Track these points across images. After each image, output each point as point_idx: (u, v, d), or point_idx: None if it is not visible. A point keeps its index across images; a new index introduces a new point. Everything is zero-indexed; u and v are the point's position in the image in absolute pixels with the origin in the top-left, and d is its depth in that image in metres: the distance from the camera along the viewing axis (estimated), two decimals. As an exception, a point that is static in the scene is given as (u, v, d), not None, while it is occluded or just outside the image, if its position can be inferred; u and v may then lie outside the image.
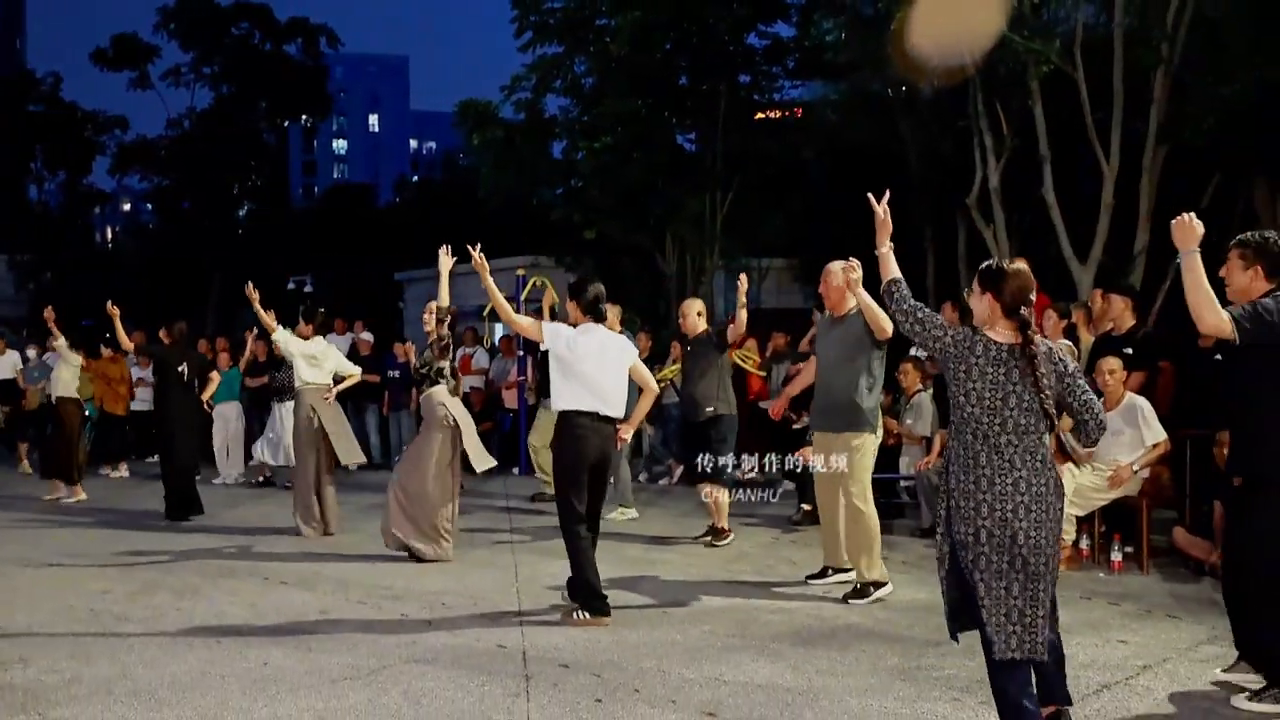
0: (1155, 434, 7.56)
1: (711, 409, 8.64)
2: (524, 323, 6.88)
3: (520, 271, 14.33)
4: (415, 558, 8.01)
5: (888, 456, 10.01)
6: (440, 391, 8.29)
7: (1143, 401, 7.63)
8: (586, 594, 6.23)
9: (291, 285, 29.49)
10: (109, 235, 62.24)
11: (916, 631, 6.04)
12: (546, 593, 6.92)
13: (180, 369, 10.77)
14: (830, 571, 7.27)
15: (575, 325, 6.46)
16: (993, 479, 3.96)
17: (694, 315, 8.93)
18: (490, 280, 6.74)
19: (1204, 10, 13.26)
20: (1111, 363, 7.63)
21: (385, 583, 7.32)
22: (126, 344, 11.35)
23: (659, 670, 5.29)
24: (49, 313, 11.86)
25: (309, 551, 8.58)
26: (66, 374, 12.11)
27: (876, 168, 19.08)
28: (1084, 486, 7.43)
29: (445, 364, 8.35)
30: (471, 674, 5.22)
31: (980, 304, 4.10)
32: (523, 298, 13.90)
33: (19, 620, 6.39)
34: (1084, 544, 7.73)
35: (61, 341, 11.92)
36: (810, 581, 7.25)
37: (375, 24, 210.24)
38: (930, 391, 9.66)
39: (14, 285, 34.02)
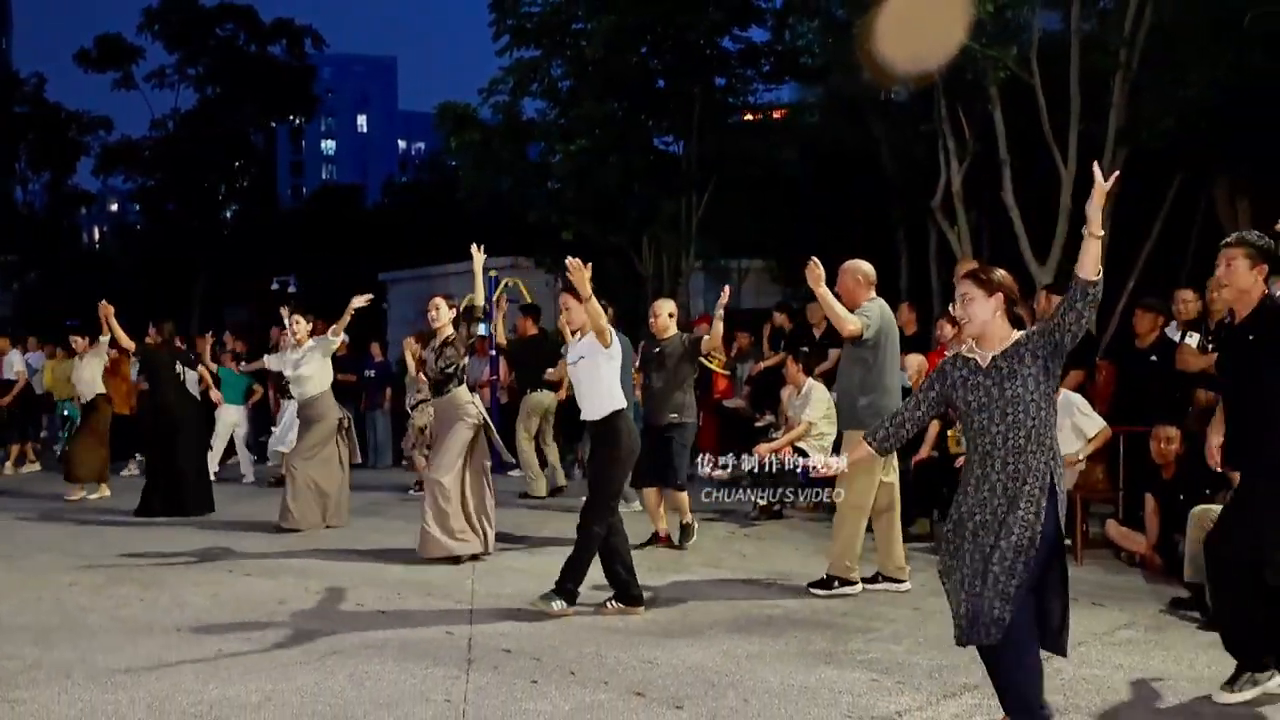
0: (1095, 424, 7.84)
1: (676, 415, 8.59)
2: (608, 326, 6.51)
3: (492, 273, 14.56)
4: (454, 560, 7.89)
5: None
6: (464, 391, 8.22)
7: (1076, 397, 7.91)
8: (575, 585, 6.34)
9: (275, 285, 29.68)
10: (96, 236, 62.42)
11: (850, 620, 6.30)
12: (500, 585, 7.17)
13: (177, 369, 10.91)
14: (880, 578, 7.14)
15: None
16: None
17: (665, 316, 8.79)
18: (593, 296, 6.41)
19: (1162, 16, 13.57)
20: (1048, 361, 7.88)
21: (345, 574, 7.56)
22: (126, 342, 11.05)
23: (596, 654, 5.54)
24: (105, 308, 10.99)
25: (278, 545, 8.77)
26: (90, 372, 12.03)
27: (853, 170, 19.42)
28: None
29: (465, 362, 8.31)
30: (417, 658, 5.47)
31: (987, 307, 4.22)
32: (495, 298, 14.12)
33: (-13, 609, 6.63)
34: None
35: (111, 338, 11.50)
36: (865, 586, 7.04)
37: (364, 25, 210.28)
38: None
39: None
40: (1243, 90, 13.45)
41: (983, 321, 4.23)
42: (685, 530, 8.71)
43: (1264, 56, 13.22)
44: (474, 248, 8.09)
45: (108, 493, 11.90)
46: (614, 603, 6.42)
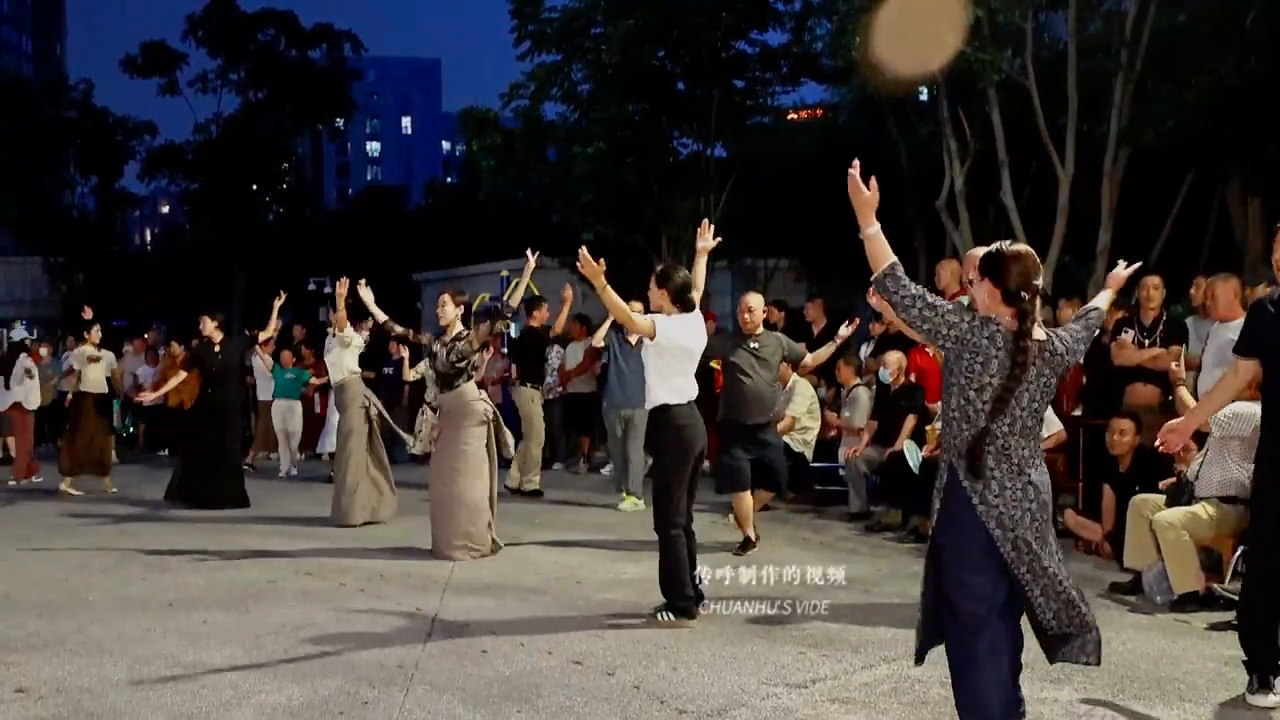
0: (1050, 425, 8.11)
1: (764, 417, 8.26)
2: (640, 322, 6.20)
3: (504, 274, 15.00)
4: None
5: (829, 447, 10.64)
6: (473, 388, 8.33)
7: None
8: (673, 593, 6.16)
9: (311, 286, 30.27)
10: (147, 237, 63.72)
11: (800, 600, 6.57)
12: (477, 572, 7.55)
13: (221, 365, 11.19)
14: None
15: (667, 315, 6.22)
16: (1003, 483, 3.75)
17: (758, 312, 8.24)
18: (607, 285, 6.08)
19: (1161, 20, 13.74)
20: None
21: (334, 559, 8.00)
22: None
23: (549, 630, 5.92)
24: (87, 312, 12.23)
25: (283, 536, 9.16)
26: (96, 371, 12.56)
27: (873, 170, 19.69)
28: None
29: (478, 359, 8.39)
30: (382, 630, 5.91)
31: (980, 292, 3.86)
32: (505, 298, 14.56)
33: (1, 586, 7.13)
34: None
35: (96, 336, 12.49)
36: None
37: (408, 27, 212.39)
38: (865, 387, 10.25)
39: (48, 287, 35.12)
40: (1245, 91, 13.59)
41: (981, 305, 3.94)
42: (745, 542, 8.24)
43: (1266, 58, 13.36)
44: (529, 252, 8.54)
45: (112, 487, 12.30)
46: (664, 614, 6.11)
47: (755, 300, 8.30)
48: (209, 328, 11.24)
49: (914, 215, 19.36)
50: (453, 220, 35.51)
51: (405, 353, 13.08)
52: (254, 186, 37.72)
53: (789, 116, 22.95)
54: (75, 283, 35.80)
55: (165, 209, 73.03)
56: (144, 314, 30.45)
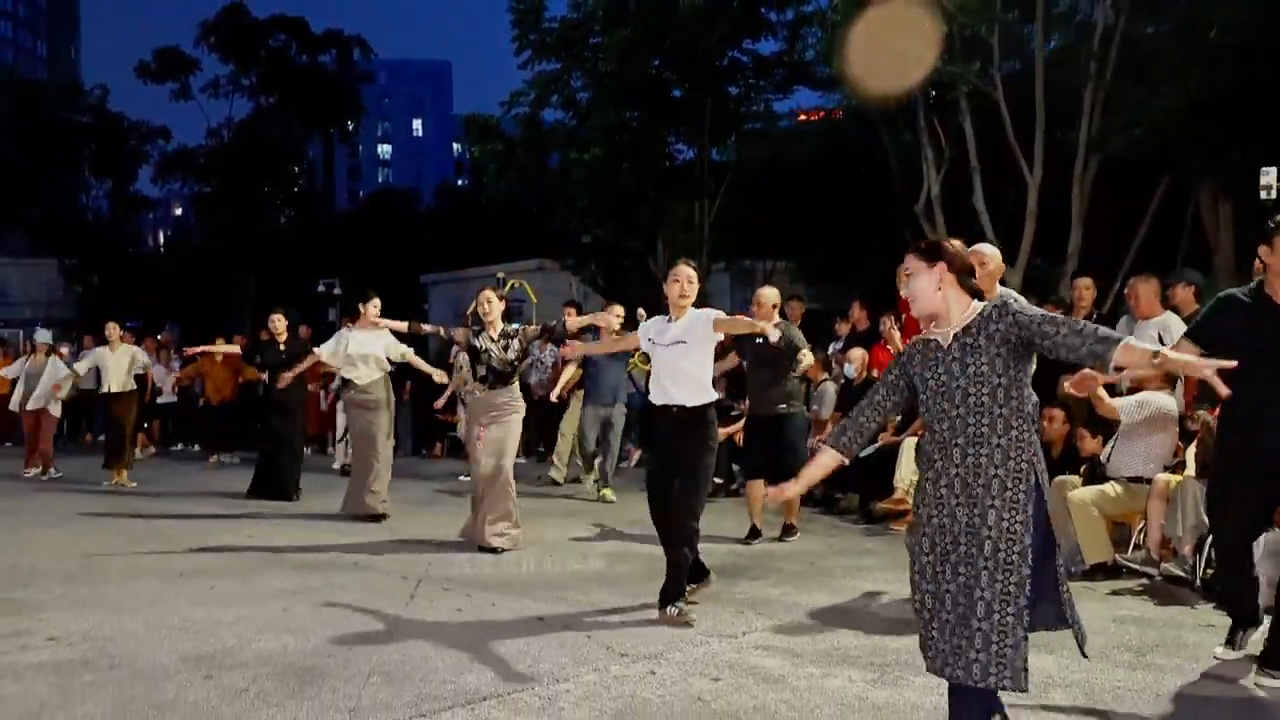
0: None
1: (784, 406, 8.47)
2: (628, 339, 6.87)
3: (500, 274, 15.70)
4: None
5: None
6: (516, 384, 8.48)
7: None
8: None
9: (321, 288, 30.97)
10: (160, 239, 64.59)
11: (750, 570, 7.33)
12: (462, 548, 8.23)
13: (284, 362, 11.50)
14: None
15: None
16: (965, 480, 3.68)
17: (769, 306, 8.36)
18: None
19: (1130, 29, 14.37)
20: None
21: (331, 541, 8.70)
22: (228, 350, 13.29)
23: (521, 594, 6.62)
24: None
25: (288, 521, 9.87)
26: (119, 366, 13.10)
27: (867, 173, 20.34)
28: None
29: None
30: (370, 593, 6.61)
31: (928, 280, 3.79)
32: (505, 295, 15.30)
33: (28, 560, 7.86)
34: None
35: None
36: None
37: (419, 30, 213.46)
38: (833, 382, 10.92)
39: (63, 288, 35.93)
40: (1216, 97, 14.17)
41: (927, 296, 3.81)
42: (787, 529, 8.63)
43: (1235, 65, 13.93)
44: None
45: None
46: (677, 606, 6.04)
47: (765, 295, 8.54)
48: (279, 326, 11.64)
49: (902, 217, 20.01)
50: (458, 222, 36.26)
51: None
52: (265, 190, 38.55)
53: (799, 118, 23.64)
54: (90, 284, 36.63)
55: (178, 211, 73.84)
56: (157, 315, 31.32)
